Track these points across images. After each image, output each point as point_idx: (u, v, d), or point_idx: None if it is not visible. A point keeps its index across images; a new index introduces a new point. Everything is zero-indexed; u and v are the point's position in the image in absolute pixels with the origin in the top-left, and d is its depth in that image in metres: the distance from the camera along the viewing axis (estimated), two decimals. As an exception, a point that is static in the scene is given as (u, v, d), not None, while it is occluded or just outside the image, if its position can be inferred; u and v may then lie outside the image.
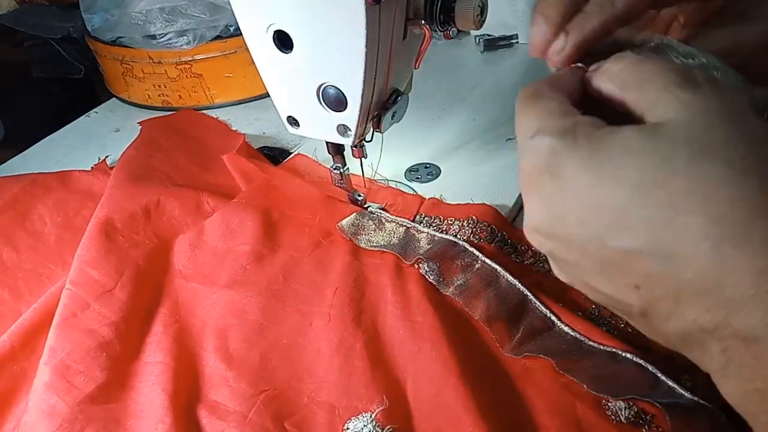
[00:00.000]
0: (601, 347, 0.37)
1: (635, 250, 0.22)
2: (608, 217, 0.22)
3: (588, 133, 0.23)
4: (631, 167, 0.22)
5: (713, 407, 0.33)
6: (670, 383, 0.34)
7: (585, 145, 0.23)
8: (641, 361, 0.35)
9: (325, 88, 0.41)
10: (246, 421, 0.35)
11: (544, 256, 0.45)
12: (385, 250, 0.46)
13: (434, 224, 0.49)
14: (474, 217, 0.48)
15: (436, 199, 0.51)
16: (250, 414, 0.35)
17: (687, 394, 0.33)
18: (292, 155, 0.59)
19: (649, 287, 0.22)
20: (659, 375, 0.35)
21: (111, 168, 0.56)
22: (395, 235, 0.47)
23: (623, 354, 0.36)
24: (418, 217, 0.50)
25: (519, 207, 0.51)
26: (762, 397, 0.21)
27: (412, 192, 0.53)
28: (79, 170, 0.58)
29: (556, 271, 0.27)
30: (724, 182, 0.20)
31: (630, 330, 0.39)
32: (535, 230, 0.26)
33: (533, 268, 0.45)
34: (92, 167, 0.59)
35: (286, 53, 0.40)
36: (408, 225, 0.48)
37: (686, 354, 0.23)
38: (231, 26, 0.69)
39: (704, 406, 0.33)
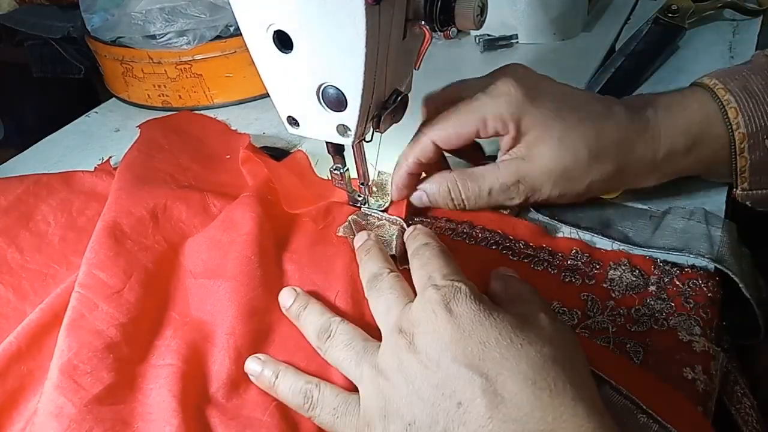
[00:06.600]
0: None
1: None
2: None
3: None
4: None
5: None
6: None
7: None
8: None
9: (325, 88, 0.41)
10: (261, 423, 0.35)
11: (541, 253, 0.45)
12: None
13: (426, 224, 0.48)
14: (469, 221, 0.48)
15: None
16: (264, 417, 0.35)
17: None
18: (293, 152, 0.60)
19: None
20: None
21: (114, 168, 0.56)
22: (389, 235, 0.47)
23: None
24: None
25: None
26: None
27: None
28: (82, 171, 0.58)
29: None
30: None
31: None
32: None
33: (530, 264, 0.45)
34: (96, 168, 0.59)
35: (286, 53, 0.40)
36: (401, 223, 0.48)
37: None
38: (231, 26, 0.69)
39: None
